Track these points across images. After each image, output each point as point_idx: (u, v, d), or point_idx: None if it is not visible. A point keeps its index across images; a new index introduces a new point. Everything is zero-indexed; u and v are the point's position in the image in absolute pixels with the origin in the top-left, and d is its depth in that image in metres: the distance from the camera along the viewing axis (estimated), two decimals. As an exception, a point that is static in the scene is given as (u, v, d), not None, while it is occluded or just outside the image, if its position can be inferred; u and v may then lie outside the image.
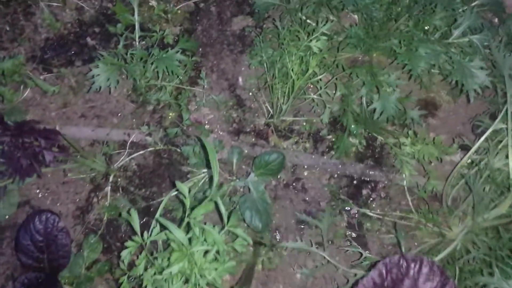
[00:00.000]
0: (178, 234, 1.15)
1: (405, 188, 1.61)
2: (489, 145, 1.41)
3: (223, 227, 1.27)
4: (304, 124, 1.77)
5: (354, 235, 1.65)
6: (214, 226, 1.27)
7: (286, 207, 1.72)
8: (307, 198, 1.73)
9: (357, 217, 1.67)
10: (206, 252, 1.22)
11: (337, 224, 1.67)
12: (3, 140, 1.18)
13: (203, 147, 1.62)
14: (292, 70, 1.53)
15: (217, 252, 1.20)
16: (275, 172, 1.62)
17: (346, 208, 1.68)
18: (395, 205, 1.69)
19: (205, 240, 1.20)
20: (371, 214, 1.64)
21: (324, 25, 1.46)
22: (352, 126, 1.55)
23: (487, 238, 1.28)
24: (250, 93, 1.86)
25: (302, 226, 1.68)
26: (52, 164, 1.24)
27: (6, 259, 1.72)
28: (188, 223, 1.22)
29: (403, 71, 1.57)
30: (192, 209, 1.21)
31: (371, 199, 1.71)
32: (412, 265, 1.05)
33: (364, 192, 1.72)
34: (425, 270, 1.05)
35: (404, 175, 1.58)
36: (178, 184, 1.21)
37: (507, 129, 1.40)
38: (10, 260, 1.72)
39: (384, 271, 1.04)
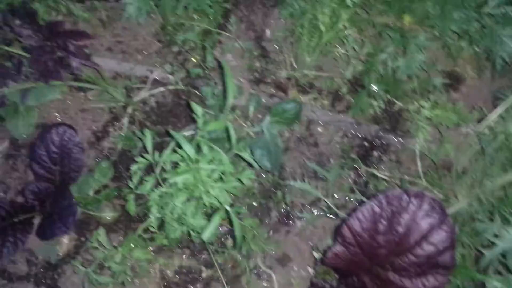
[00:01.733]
0: (187, 147, 1.17)
1: (417, 153, 1.61)
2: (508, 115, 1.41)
3: (230, 149, 1.29)
4: (325, 80, 1.78)
5: (359, 192, 1.67)
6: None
7: (296, 159, 1.74)
8: (317, 153, 1.75)
9: (365, 176, 1.69)
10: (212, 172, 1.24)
11: (343, 180, 1.69)
12: (33, 41, 1.20)
13: (222, 69, 1.60)
14: (322, 22, 1.54)
15: (223, 173, 1.22)
16: (291, 121, 1.63)
17: (355, 166, 1.69)
18: (404, 169, 1.70)
19: (212, 160, 1.22)
20: (379, 174, 1.66)
21: (360, -22, 1.46)
22: (373, 84, 1.55)
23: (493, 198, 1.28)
24: (276, 46, 1.87)
25: (309, 177, 1.71)
26: (77, 71, 1.27)
27: (19, 175, 1.77)
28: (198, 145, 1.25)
29: (432, 36, 1.56)
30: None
31: (381, 161, 1.73)
32: (413, 199, 1.06)
33: (375, 153, 1.74)
34: (425, 206, 1.06)
35: (417, 139, 1.59)
36: (193, 105, 1.23)
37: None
38: (23, 176, 1.77)
39: (384, 202, 1.05)
